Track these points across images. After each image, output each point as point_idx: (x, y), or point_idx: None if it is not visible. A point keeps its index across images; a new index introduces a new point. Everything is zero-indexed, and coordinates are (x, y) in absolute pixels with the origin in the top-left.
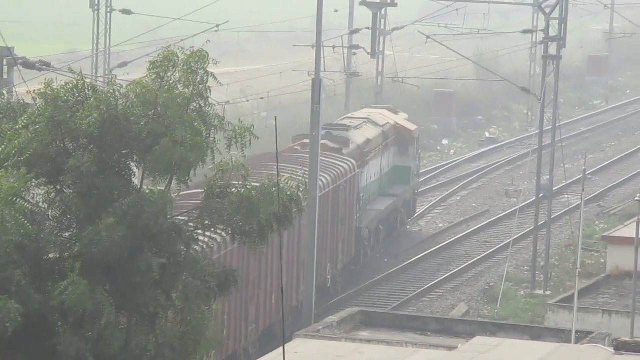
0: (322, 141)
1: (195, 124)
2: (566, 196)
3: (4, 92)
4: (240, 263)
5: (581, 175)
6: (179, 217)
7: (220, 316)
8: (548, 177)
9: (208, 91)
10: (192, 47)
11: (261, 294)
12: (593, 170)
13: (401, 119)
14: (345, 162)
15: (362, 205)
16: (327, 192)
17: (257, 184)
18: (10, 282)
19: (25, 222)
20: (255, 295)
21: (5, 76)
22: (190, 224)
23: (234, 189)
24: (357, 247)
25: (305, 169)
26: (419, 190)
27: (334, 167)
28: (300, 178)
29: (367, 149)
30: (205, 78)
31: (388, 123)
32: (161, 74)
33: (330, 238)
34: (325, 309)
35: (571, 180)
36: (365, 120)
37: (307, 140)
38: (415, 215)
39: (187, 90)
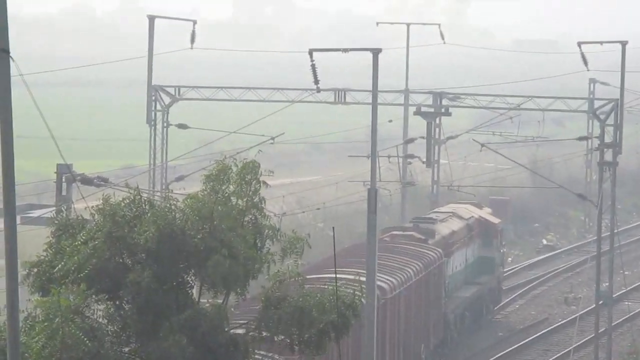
0: (410, 232)
1: (248, 237)
2: (626, 303)
3: (63, 208)
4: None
5: None
6: (237, 330)
7: None
8: (607, 284)
9: (263, 202)
10: (245, 158)
11: None
12: None
13: (485, 212)
14: (433, 250)
15: (448, 292)
16: (420, 278)
17: (343, 282)
18: None
19: (85, 339)
20: None
21: (64, 193)
22: (250, 333)
23: (290, 299)
24: (444, 331)
25: (396, 256)
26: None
27: (424, 255)
28: (393, 265)
29: (452, 240)
30: (257, 187)
31: (472, 216)
32: (216, 187)
33: (423, 320)
34: None
35: (631, 287)
36: (451, 214)
37: (396, 232)
38: (499, 305)
39: (241, 202)
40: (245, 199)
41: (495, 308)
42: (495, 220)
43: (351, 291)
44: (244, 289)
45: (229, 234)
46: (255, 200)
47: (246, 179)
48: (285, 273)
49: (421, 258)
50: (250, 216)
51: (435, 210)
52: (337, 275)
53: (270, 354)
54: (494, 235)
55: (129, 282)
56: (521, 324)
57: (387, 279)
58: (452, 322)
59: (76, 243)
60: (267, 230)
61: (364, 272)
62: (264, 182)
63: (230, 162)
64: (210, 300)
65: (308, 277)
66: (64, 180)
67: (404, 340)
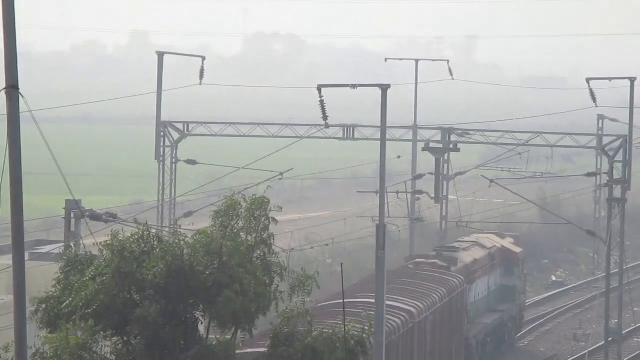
0: (433, 260)
1: (258, 273)
2: (636, 340)
3: (72, 244)
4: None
5: None
6: None
7: None
8: (616, 320)
9: (271, 238)
10: (254, 194)
11: None
12: None
13: (507, 242)
14: (455, 278)
15: (470, 318)
16: (444, 304)
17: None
18: None
19: None
20: None
21: (72, 229)
22: None
23: (299, 337)
24: (466, 356)
25: (421, 282)
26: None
27: (447, 282)
28: (419, 290)
29: (474, 268)
30: (267, 224)
31: (495, 246)
32: (225, 223)
33: (447, 344)
34: None
35: None
36: (474, 243)
37: (420, 260)
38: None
39: (250, 237)
40: (254, 235)
41: (517, 336)
42: (517, 249)
43: (360, 328)
44: (252, 326)
45: (238, 270)
46: (264, 237)
47: (255, 215)
48: (294, 310)
49: (444, 284)
50: (259, 252)
51: (459, 239)
52: (370, 300)
53: None
54: (515, 264)
55: (135, 317)
56: None
57: (415, 304)
58: (474, 347)
59: (84, 279)
60: (275, 268)
61: (394, 296)
62: (273, 219)
63: (239, 198)
64: (218, 337)
65: (332, 302)
66: (72, 216)
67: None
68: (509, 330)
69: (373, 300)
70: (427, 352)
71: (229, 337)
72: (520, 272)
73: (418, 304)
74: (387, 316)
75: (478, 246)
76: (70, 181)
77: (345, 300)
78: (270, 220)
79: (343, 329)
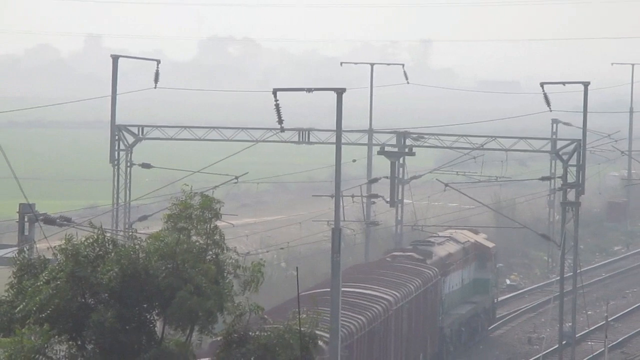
0: (409, 253)
1: (209, 272)
2: (589, 343)
3: (25, 248)
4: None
5: (604, 322)
6: None
7: None
8: (570, 324)
9: (222, 238)
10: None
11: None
12: (615, 316)
13: (481, 237)
14: (430, 269)
15: (445, 309)
16: (419, 293)
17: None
18: None
19: None
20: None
21: (26, 232)
22: None
23: (251, 334)
24: (440, 344)
25: (398, 273)
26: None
27: (422, 273)
28: (396, 281)
29: (448, 261)
30: (214, 222)
31: (468, 241)
32: (178, 225)
33: (422, 331)
34: None
35: (594, 327)
36: (448, 238)
37: (396, 253)
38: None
39: (200, 239)
40: (204, 237)
41: (490, 328)
42: (489, 244)
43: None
44: (212, 322)
45: (191, 271)
46: (215, 238)
47: (205, 217)
48: (244, 306)
49: (420, 276)
50: (211, 254)
51: (434, 234)
52: (353, 290)
53: None
54: (488, 258)
55: (92, 322)
56: None
57: (392, 293)
58: (448, 336)
59: (38, 283)
60: (228, 267)
61: (374, 286)
62: (218, 215)
63: (191, 201)
64: (172, 339)
65: (316, 290)
66: (26, 219)
67: (405, 348)
68: (482, 322)
69: (355, 290)
70: (404, 338)
71: (183, 339)
72: (492, 266)
73: (395, 292)
74: (370, 303)
75: (452, 241)
76: (24, 185)
77: (324, 289)
78: (217, 216)
79: (298, 327)
